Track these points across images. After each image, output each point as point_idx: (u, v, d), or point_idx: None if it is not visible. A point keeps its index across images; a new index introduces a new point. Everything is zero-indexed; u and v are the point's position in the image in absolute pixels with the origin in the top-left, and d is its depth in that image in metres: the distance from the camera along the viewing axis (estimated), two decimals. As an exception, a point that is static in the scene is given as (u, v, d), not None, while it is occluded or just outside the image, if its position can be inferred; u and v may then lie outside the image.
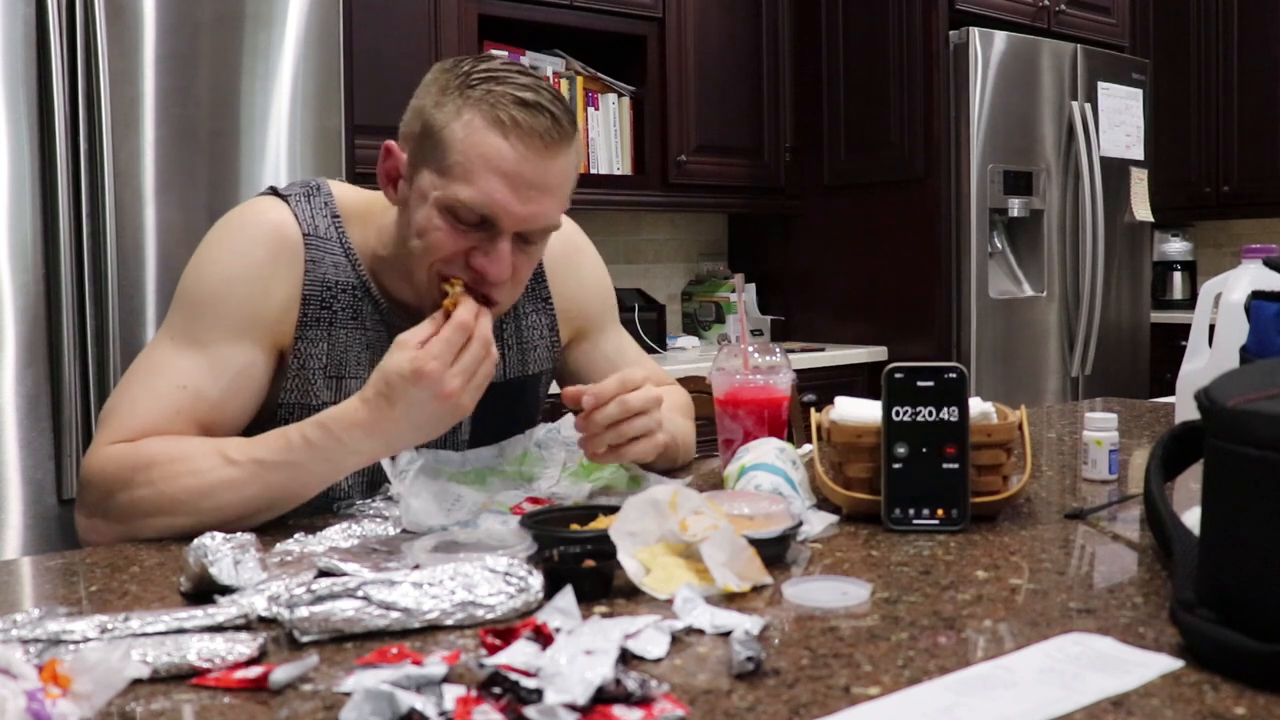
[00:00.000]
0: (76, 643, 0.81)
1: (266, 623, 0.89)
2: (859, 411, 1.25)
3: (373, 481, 1.35)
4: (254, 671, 0.77)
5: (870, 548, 1.11)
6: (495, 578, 0.90)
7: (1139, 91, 4.17)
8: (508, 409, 1.45)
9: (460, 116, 1.20)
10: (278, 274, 1.30)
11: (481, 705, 0.70)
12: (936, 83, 3.62)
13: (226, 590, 0.94)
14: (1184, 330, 1.96)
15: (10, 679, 0.68)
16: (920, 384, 1.16)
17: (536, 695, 0.69)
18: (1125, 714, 0.70)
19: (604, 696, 0.70)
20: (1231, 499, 0.78)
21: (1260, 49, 4.56)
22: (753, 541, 0.98)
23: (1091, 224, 3.91)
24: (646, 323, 3.63)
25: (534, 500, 1.28)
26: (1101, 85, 4.00)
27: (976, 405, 1.23)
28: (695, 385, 2.17)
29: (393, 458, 1.28)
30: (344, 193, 1.38)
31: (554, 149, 1.22)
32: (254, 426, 1.31)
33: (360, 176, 1.43)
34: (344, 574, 0.96)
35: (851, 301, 3.90)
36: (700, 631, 0.85)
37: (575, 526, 1.08)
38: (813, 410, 1.39)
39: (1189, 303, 4.91)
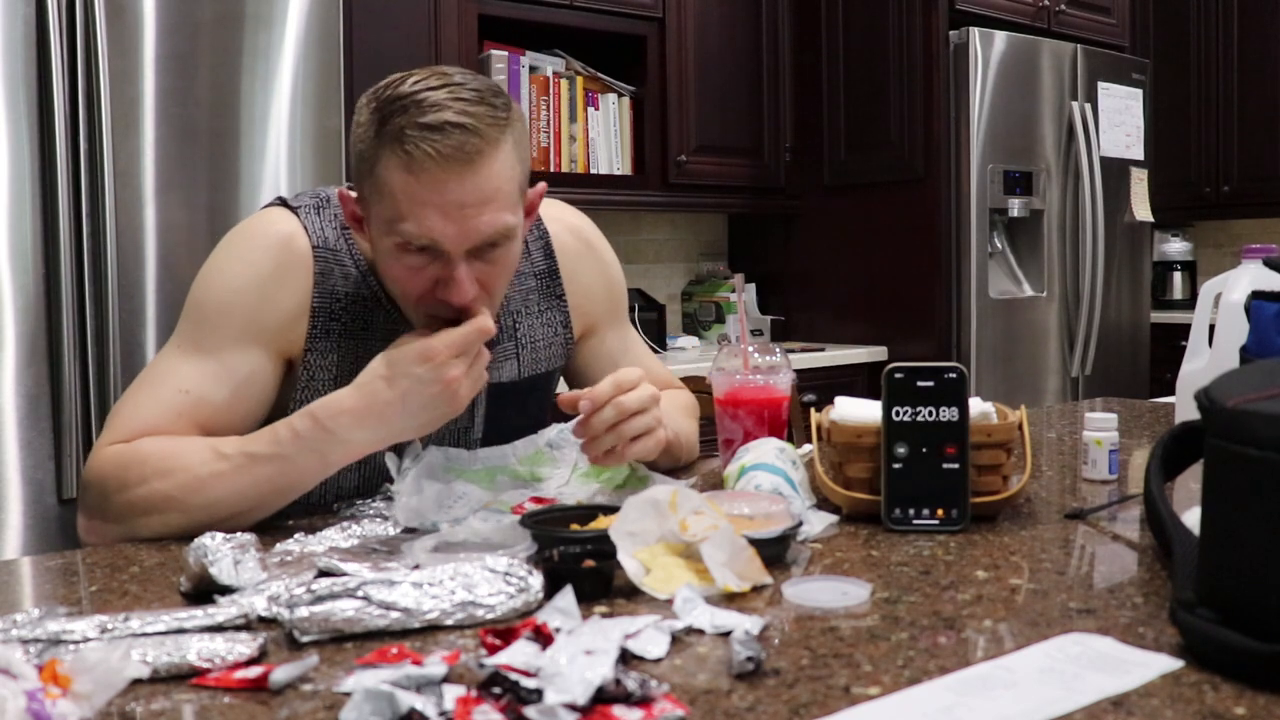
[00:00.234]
0: (76, 643, 0.81)
1: (266, 623, 0.89)
2: (859, 411, 1.25)
3: (373, 482, 1.35)
4: (254, 671, 0.77)
5: (870, 548, 1.11)
6: (495, 578, 0.91)
7: (1139, 91, 4.17)
8: (520, 407, 1.45)
9: (381, 159, 1.19)
10: (285, 285, 1.30)
11: (481, 705, 0.70)
12: (936, 83, 3.62)
13: (226, 590, 0.94)
14: (1184, 330, 1.96)
15: (10, 679, 0.68)
16: (920, 384, 1.16)
17: (536, 695, 0.69)
18: (1125, 714, 0.70)
19: (604, 696, 0.70)
20: (1231, 499, 0.78)
21: (1260, 49, 4.56)
22: (753, 541, 0.98)
23: (1091, 224, 3.91)
24: (646, 323, 3.63)
25: (537, 500, 1.28)
26: (1101, 85, 4.00)
27: (976, 405, 1.23)
28: (695, 385, 2.17)
29: (399, 457, 1.28)
30: None
31: (475, 162, 1.17)
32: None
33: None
34: (344, 574, 0.96)
35: (851, 301, 3.90)
36: (700, 631, 0.85)
37: (575, 526, 1.08)
38: (813, 410, 1.39)
39: (1189, 303, 4.91)
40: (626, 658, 0.79)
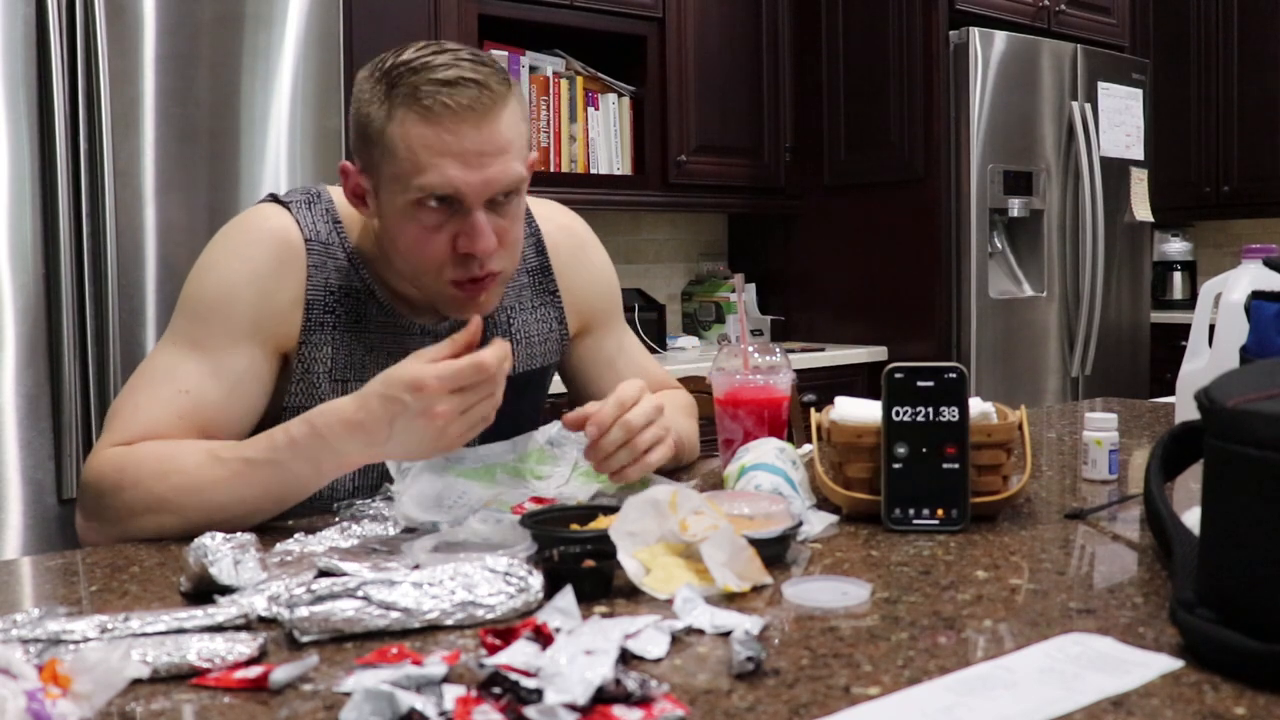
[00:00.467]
0: (76, 643, 0.81)
1: (266, 623, 0.89)
2: (859, 411, 1.25)
3: (373, 482, 1.35)
4: (254, 671, 0.77)
5: (870, 548, 1.11)
6: (495, 578, 0.90)
7: (1139, 91, 4.17)
8: (515, 402, 1.45)
9: (393, 118, 1.22)
10: (280, 278, 1.31)
11: (481, 705, 0.70)
12: (936, 83, 3.62)
13: (226, 590, 0.94)
14: (1184, 330, 1.96)
15: (10, 679, 0.68)
16: (920, 384, 1.16)
17: (536, 695, 0.69)
18: (1125, 714, 0.70)
19: (604, 696, 0.70)
20: (1231, 499, 0.78)
21: (1260, 49, 4.56)
22: (753, 541, 0.98)
23: (1091, 224, 3.91)
24: (646, 323, 3.63)
25: (538, 500, 1.28)
26: (1101, 85, 4.00)
27: (976, 405, 1.23)
28: (695, 385, 2.17)
29: None
30: (343, 198, 1.38)
31: (489, 114, 1.22)
32: (260, 430, 1.30)
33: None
34: (344, 574, 0.96)
35: (851, 301, 3.90)
36: (700, 631, 0.85)
37: (575, 526, 1.08)
38: (813, 410, 1.39)
39: (1189, 303, 4.91)
40: (626, 658, 0.79)
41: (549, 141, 3.44)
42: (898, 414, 1.16)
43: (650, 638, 0.82)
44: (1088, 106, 3.92)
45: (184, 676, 0.79)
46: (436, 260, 1.26)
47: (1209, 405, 0.80)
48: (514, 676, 0.71)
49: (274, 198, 1.37)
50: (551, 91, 3.44)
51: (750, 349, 1.41)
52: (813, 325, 4.02)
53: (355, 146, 1.28)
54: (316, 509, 1.30)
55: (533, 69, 3.41)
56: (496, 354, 1.14)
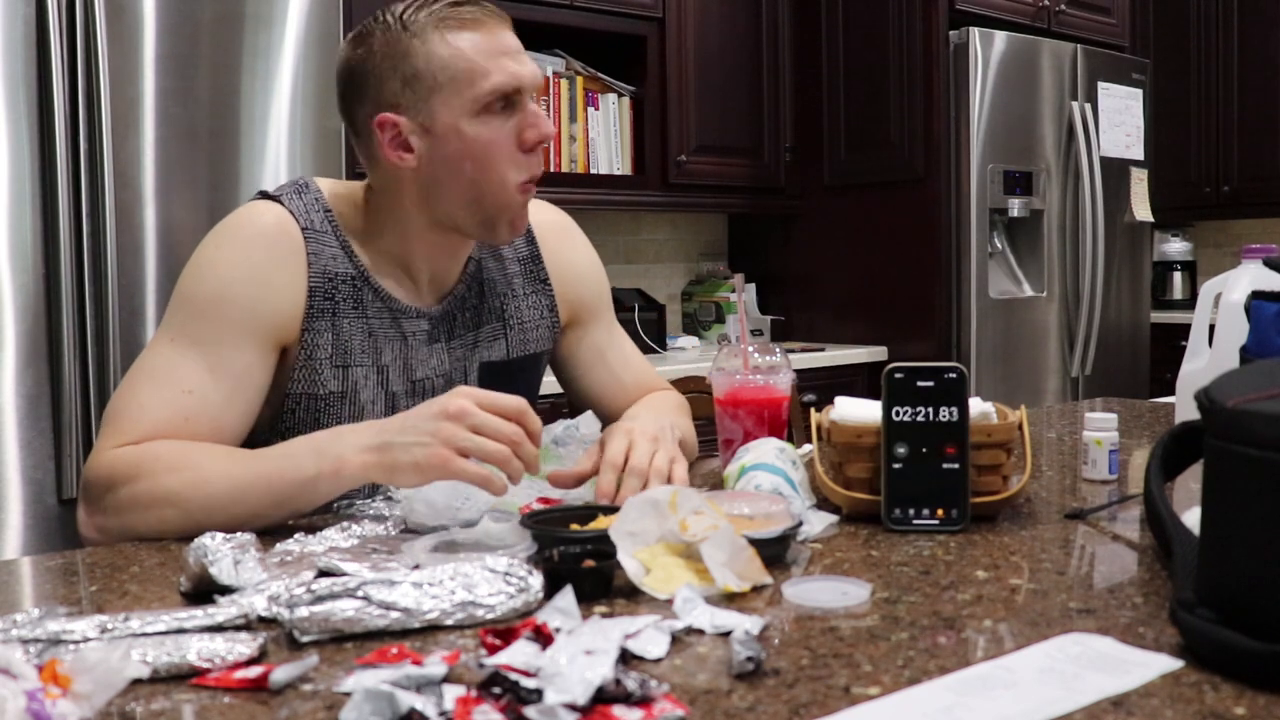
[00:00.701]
0: (76, 643, 0.81)
1: (266, 623, 0.89)
2: (859, 411, 1.25)
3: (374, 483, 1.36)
4: (254, 671, 0.77)
5: (870, 548, 1.11)
6: (495, 578, 0.90)
7: (1139, 91, 4.17)
8: (510, 388, 1.46)
9: (429, 44, 1.29)
10: (282, 271, 1.32)
11: (481, 705, 0.70)
12: (936, 83, 3.62)
13: (226, 590, 0.94)
14: (1184, 330, 1.96)
15: (10, 679, 0.68)
16: (920, 384, 1.16)
17: (536, 695, 0.69)
18: (1125, 714, 0.70)
19: (604, 696, 0.70)
20: (1231, 499, 0.78)
21: (1260, 49, 4.56)
22: (753, 541, 0.98)
23: (1091, 224, 3.91)
24: (646, 323, 3.63)
25: (544, 500, 1.27)
26: (1101, 85, 4.00)
27: (976, 405, 1.23)
28: (695, 385, 2.18)
29: None
30: (331, 187, 1.42)
31: (506, 19, 1.35)
32: (264, 416, 1.34)
33: (360, 177, 1.45)
34: (344, 574, 0.96)
35: (851, 301, 3.90)
36: (700, 631, 0.85)
37: (575, 526, 1.08)
38: (813, 410, 1.39)
39: (1189, 303, 4.91)
40: (626, 658, 0.79)
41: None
42: (898, 414, 1.16)
43: (650, 638, 0.82)
44: (1088, 106, 3.92)
45: (184, 676, 0.78)
46: (510, 161, 1.33)
47: (1209, 405, 0.80)
48: (514, 676, 0.71)
49: (264, 194, 1.39)
50: (551, 91, 3.44)
51: (750, 349, 1.41)
52: (813, 325, 4.02)
53: (389, 99, 1.31)
54: (316, 509, 1.30)
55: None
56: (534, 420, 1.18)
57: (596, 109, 3.55)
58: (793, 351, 3.56)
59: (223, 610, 0.86)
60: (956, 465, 1.16)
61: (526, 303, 1.52)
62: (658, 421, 1.34)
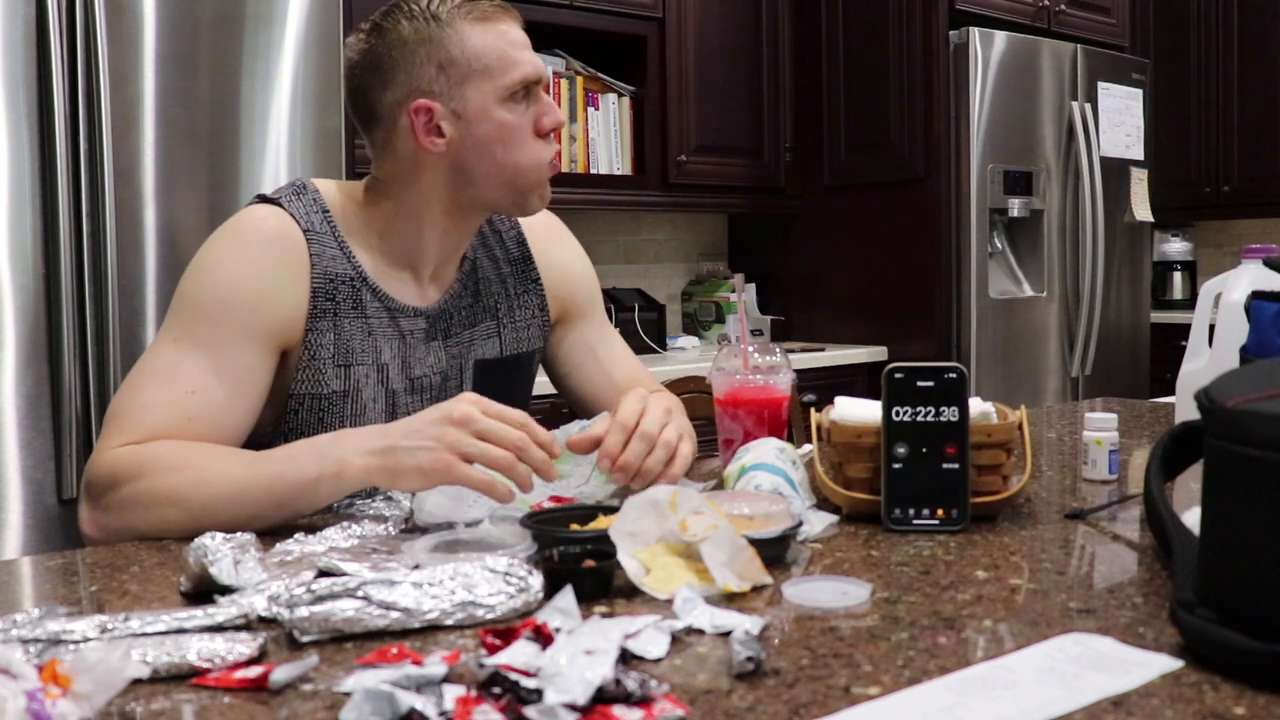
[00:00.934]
0: (76, 643, 0.81)
1: (266, 623, 0.89)
2: (859, 411, 1.25)
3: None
4: (254, 671, 0.77)
5: (870, 548, 1.11)
6: (495, 578, 0.91)
7: (1139, 91, 4.17)
8: (505, 387, 1.49)
9: (461, 34, 1.35)
10: (286, 274, 1.33)
11: (481, 705, 0.70)
12: (936, 83, 3.62)
13: (226, 590, 0.94)
14: (1184, 330, 1.96)
15: (10, 679, 0.68)
16: (920, 384, 1.16)
17: (536, 695, 0.69)
18: (1125, 714, 0.70)
19: (604, 696, 0.70)
20: (1231, 499, 0.78)
21: (1260, 49, 4.56)
22: (753, 541, 0.98)
23: (1091, 224, 3.91)
24: (646, 323, 3.63)
25: (556, 499, 1.27)
26: (1101, 85, 4.00)
27: (976, 405, 1.23)
28: (695, 385, 2.18)
29: None
30: (328, 188, 1.43)
31: (518, 14, 1.41)
32: (266, 417, 1.36)
33: (360, 176, 1.46)
34: (344, 574, 0.96)
35: (851, 301, 3.90)
36: (700, 631, 0.85)
37: (575, 526, 1.08)
38: (813, 410, 1.39)
39: (1189, 303, 4.91)
40: (626, 658, 0.79)
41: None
42: (898, 414, 1.16)
43: (650, 638, 0.82)
44: (1088, 106, 3.92)
45: (184, 676, 0.78)
46: (535, 142, 1.39)
47: (1209, 405, 0.80)
48: (514, 676, 0.71)
49: (262, 198, 1.40)
50: (551, 91, 3.44)
51: (750, 349, 1.41)
52: (813, 325, 4.02)
53: (427, 78, 1.35)
54: (316, 509, 1.30)
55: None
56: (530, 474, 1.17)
57: (596, 109, 3.55)
58: (793, 351, 3.56)
59: (223, 610, 0.86)
60: (956, 465, 1.16)
61: (519, 302, 1.54)
62: (671, 398, 1.40)
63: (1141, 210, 4.18)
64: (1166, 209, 4.57)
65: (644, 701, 0.71)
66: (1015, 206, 3.75)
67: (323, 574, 0.98)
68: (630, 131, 3.63)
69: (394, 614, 0.86)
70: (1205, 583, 0.80)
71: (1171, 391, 1.77)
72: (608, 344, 1.64)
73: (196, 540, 0.98)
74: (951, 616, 0.90)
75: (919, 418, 1.16)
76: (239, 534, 1.01)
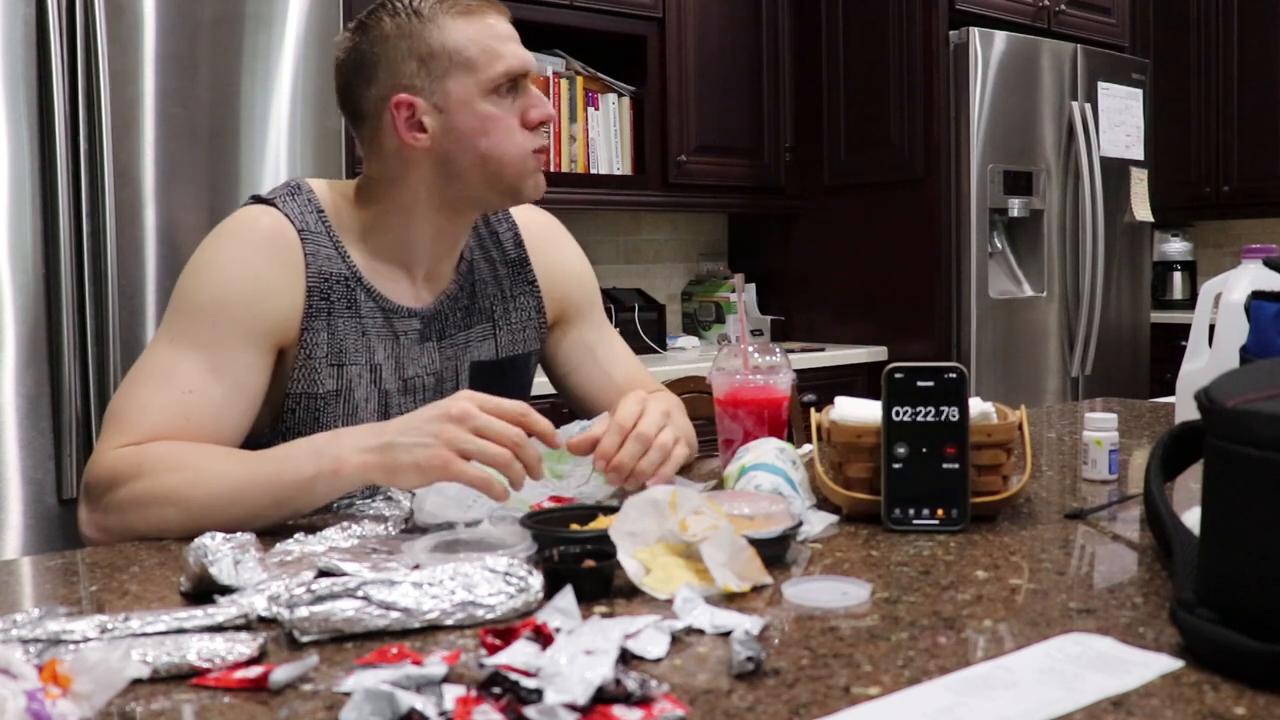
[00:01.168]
0: (76, 643, 0.81)
1: (266, 623, 0.89)
2: (859, 411, 1.25)
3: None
4: (254, 671, 0.77)
5: (870, 548, 1.11)
6: (495, 578, 0.91)
7: (1139, 91, 4.17)
8: (501, 388, 1.47)
9: (443, 28, 1.35)
10: (282, 274, 1.34)
11: (481, 705, 0.70)
12: (936, 82, 3.62)
13: (226, 590, 0.94)
14: (1184, 330, 1.96)
15: (10, 679, 0.68)
16: (920, 384, 1.16)
17: (536, 695, 0.69)
18: (1125, 714, 0.70)
19: (604, 696, 0.70)
20: (1231, 499, 0.78)
21: (1260, 49, 4.56)
22: (753, 541, 0.98)
23: (1091, 224, 3.91)
24: (646, 323, 3.63)
25: (556, 499, 1.27)
26: (1101, 85, 4.00)
27: (976, 405, 1.23)
28: (695, 385, 2.18)
29: None
30: (322, 188, 1.43)
31: (505, 8, 1.42)
32: (264, 417, 1.36)
33: (358, 176, 1.47)
34: (344, 574, 0.96)
35: (851, 301, 3.90)
36: (700, 631, 0.85)
37: (575, 526, 1.08)
38: (813, 410, 1.39)
39: (1189, 303, 4.91)
40: (626, 658, 0.79)
41: (549, 141, 3.43)
42: (898, 414, 1.16)
43: (650, 638, 0.82)
44: (1088, 106, 3.92)
45: (184, 676, 0.79)
46: (521, 134, 1.38)
47: (1209, 405, 0.80)
48: (514, 676, 0.71)
49: (256, 198, 1.40)
50: (551, 91, 3.44)
51: (750, 349, 1.41)
52: (813, 325, 4.02)
53: (408, 74, 1.35)
54: (317, 509, 1.30)
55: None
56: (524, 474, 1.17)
57: (596, 109, 3.55)
58: (793, 351, 3.56)
59: (223, 610, 0.86)
60: (956, 465, 1.16)
61: (515, 304, 1.54)
62: (671, 400, 1.40)
63: (1141, 210, 4.18)
64: (1166, 209, 4.56)
65: (644, 701, 0.71)
66: (1015, 206, 3.75)
67: (323, 574, 0.98)
68: (630, 131, 3.63)
69: (394, 614, 0.86)
70: (1205, 583, 0.80)
71: (1171, 391, 1.77)
72: (607, 344, 1.64)
73: (196, 540, 0.98)
74: (951, 616, 0.90)
75: (919, 418, 1.16)
76: (239, 534, 1.01)
